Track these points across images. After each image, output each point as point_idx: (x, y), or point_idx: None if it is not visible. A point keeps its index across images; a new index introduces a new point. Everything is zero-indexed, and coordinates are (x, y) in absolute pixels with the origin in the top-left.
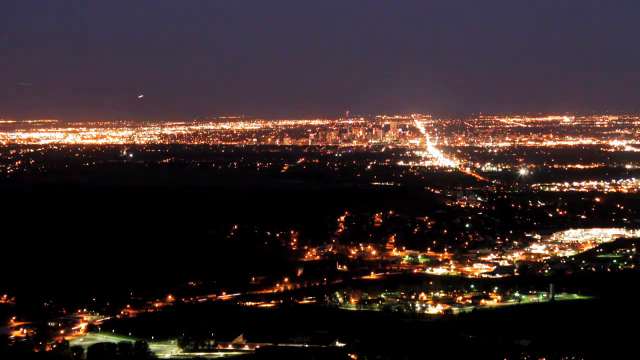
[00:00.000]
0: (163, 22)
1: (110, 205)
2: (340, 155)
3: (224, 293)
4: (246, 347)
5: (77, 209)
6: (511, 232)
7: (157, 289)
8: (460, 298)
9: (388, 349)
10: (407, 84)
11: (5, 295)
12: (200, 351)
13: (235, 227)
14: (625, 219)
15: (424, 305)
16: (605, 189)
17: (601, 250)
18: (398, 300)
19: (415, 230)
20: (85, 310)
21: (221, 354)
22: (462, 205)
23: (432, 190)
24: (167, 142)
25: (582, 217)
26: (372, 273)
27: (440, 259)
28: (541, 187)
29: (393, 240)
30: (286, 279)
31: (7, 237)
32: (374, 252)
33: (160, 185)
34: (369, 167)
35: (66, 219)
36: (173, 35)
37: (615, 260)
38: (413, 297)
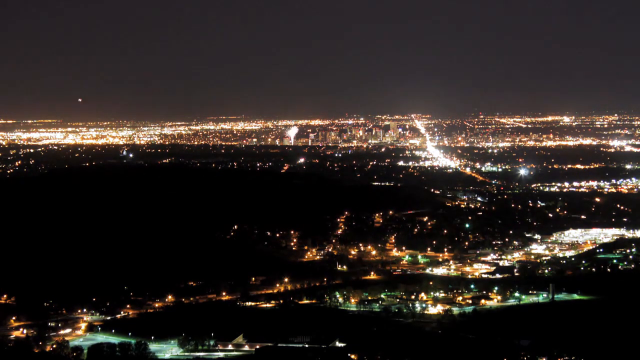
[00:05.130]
0: (163, 22)
1: (111, 205)
2: (340, 155)
3: (224, 293)
4: (246, 347)
5: (77, 208)
6: (511, 232)
7: (157, 289)
8: (460, 298)
9: (388, 349)
10: (407, 84)
11: (5, 295)
12: (200, 351)
13: (235, 227)
14: (625, 219)
15: (424, 305)
16: (605, 189)
17: (601, 250)
18: (398, 300)
19: (415, 230)
20: (85, 310)
21: (221, 354)
22: (462, 205)
23: (432, 190)
24: (167, 142)
25: (582, 217)
26: (372, 273)
27: (440, 259)
28: (541, 187)
29: (393, 240)
30: (286, 279)
31: (6, 236)
32: (374, 252)
33: (160, 184)
34: (369, 167)
35: (66, 218)
36: (173, 35)
37: (615, 260)
38: (413, 297)
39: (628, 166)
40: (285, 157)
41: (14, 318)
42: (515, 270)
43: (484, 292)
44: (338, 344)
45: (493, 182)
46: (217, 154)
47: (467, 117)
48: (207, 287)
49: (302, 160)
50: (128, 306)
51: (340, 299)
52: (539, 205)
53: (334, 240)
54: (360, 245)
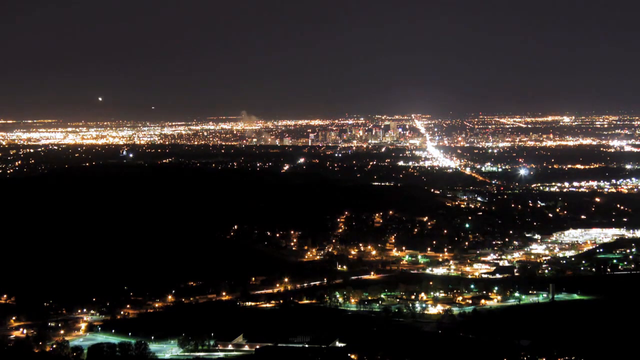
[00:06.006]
0: (163, 22)
1: (110, 205)
2: (340, 155)
3: (224, 293)
4: (246, 347)
5: (76, 208)
6: (511, 232)
7: (157, 289)
8: (460, 298)
9: (388, 349)
10: (407, 84)
11: (5, 295)
12: (200, 351)
13: (235, 227)
14: (625, 219)
15: (424, 305)
16: (605, 189)
17: (601, 250)
18: (398, 300)
19: (415, 230)
20: (85, 310)
21: (221, 354)
22: (462, 205)
23: (432, 190)
24: (167, 142)
25: (582, 217)
26: (372, 273)
27: (440, 259)
28: (541, 187)
29: (393, 240)
30: (286, 279)
31: (6, 237)
32: (374, 252)
33: (160, 184)
34: (369, 167)
35: (66, 218)
36: (172, 35)
37: (615, 260)
38: (413, 297)
39: (628, 166)
40: (285, 157)
41: (14, 318)
42: (515, 270)
43: (484, 292)
44: (338, 344)
45: (493, 182)
46: (217, 154)
47: (467, 117)
48: (207, 287)
49: (302, 160)
50: (128, 306)
51: (340, 299)
52: (539, 205)
53: (334, 240)
54: (360, 245)
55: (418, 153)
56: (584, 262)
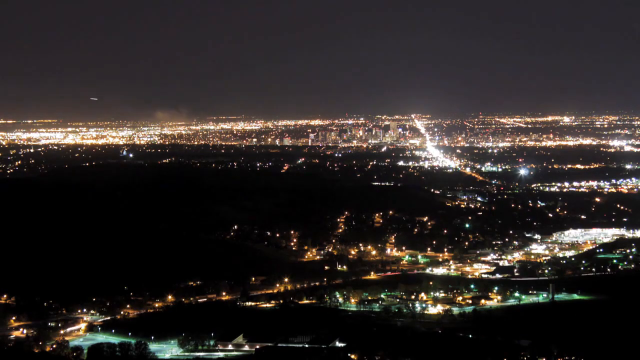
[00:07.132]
0: (163, 22)
1: (110, 205)
2: (340, 155)
3: (224, 293)
4: (246, 347)
5: (76, 208)
6: (511, 232)
7: (157, 289)
8: (460, 298)
9: (388, 348)
10: (407, 84)
11: (5, 295)
12: (200, 351)
13: (235, 227)
14: (625, 219)
15: (424, 305)
16: (605, 189)
17: (601, 250)
18: (398, 300)
19: (415, 230)
20: (85, 310)
21: (221, 354)
22: (462, 205)
23: (432, 190)
24: (167, 142)
25: (582, 217)
26: (372, 273)
27: (440, 259)
28: (541, 187)
29: (393, 240)
30: (286, 279)
31: (7, 237)
32: (374, 252)
33: (160, 184)
34: (369, 167)
35: (66, 218)
36: (172, 35)
37: (615, 260)
38: (413, 297)
39: (628, 166)
40: (285, 157)
41: (14, 318)
42: (515, 270)
43: (484, 292)
44: (338, 344)
45: (493, 182)
46: (217, 154)
47: (467, 117)
48: (207, 287)
49: (302, 160)
50: (128, 306)
51: (340, 299)
52: (539, 205)
53: (334, 240)
54: (360, 245)
55: (418, 153)
56: (584, 262)
